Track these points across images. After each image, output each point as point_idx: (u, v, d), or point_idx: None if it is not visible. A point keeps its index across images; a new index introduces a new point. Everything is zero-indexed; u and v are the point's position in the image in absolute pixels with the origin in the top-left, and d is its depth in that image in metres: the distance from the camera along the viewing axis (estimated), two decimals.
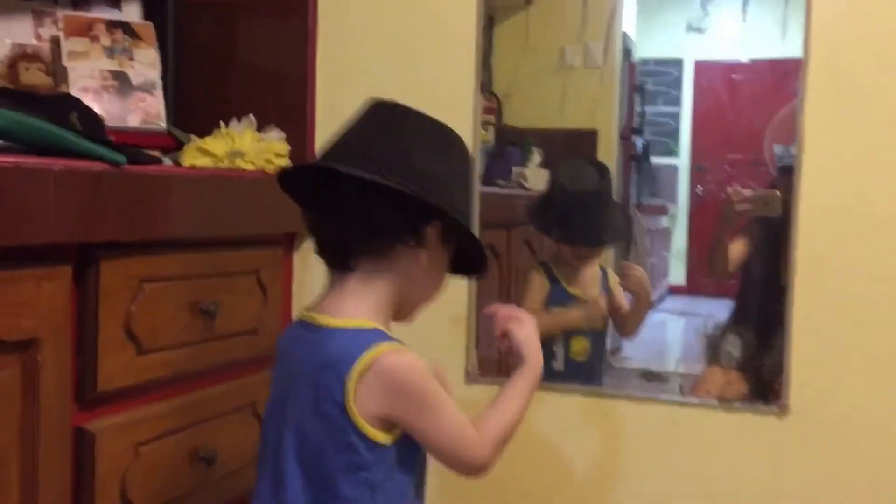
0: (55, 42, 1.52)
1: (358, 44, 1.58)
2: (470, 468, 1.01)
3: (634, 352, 1.69)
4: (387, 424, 0.97)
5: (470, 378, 1.53)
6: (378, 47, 1.57)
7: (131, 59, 1.56)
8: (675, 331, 1.88)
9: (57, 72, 1.49)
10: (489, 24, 1.79)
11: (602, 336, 1.67)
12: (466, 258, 1.08)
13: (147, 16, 1.65)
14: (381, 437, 0.96)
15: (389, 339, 0.99)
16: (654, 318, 1.70)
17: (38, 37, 1.55)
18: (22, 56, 1.48)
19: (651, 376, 1.60)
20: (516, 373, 1.09)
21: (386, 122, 1.01)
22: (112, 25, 1.57)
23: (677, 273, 1.85)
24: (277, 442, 0.99)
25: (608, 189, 1.72)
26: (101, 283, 1.12)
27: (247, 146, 1.48)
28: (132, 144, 1.28)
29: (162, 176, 1.20)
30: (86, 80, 1.50)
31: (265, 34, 1.63)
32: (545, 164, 1.82)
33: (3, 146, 0.99)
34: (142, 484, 1.19)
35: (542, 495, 1.50)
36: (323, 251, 1.03)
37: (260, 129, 1.54)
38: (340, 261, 1.01)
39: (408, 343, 0.94)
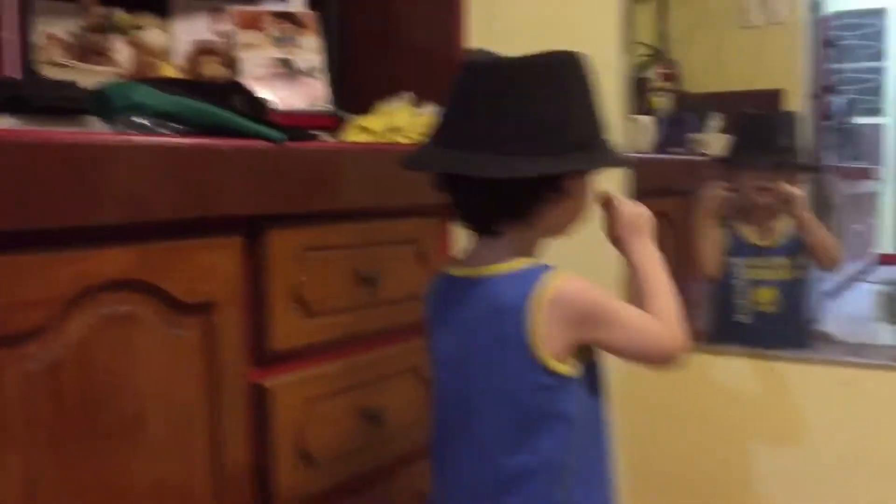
0: (229, 36, 1.65)
1: (505, 18, 1.60)
2: (670, 356, 1.02)
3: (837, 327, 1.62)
4: (574, 351, 0.99)
5: None
6: (524, 21, 1.59)
7: (297, 46, 1.67)
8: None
9: (231, 63, 1.62)
10: None
11: (796, 286, 1.62)
12: None
13: (311, 5, 1.76)
14: (567, 369, 0.99)
15: (552, 268, 1.01)
16: (861, 288, 1.63)
17: (216, 33, 1.70)
18: (201, 51, 1.62)
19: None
20: (634, 248, 1.08)
21: (490, 89, 0.98)
22: (278, 17, 1.68)
23: (887, 241, 1.75)
24: (465, 398, 1.04)
25: (792, 119, 1.68)
26: (270, 252, 1.22)
27: (404, 121, 1.55)
28: (298, 125, 1.38)
29: (320, 151, 1.28)
30: (256, 68, 1.62)
31: (419, 16, 1.69)
32: (727, 128, 1.78)
33: (175, 129, 1.10)
34: (316, 437, 1.29)
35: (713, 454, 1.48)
36: (467, 224, 1.07)
37: (417, 105, 1.60)
38: (487, 230, 1.05)
39: None
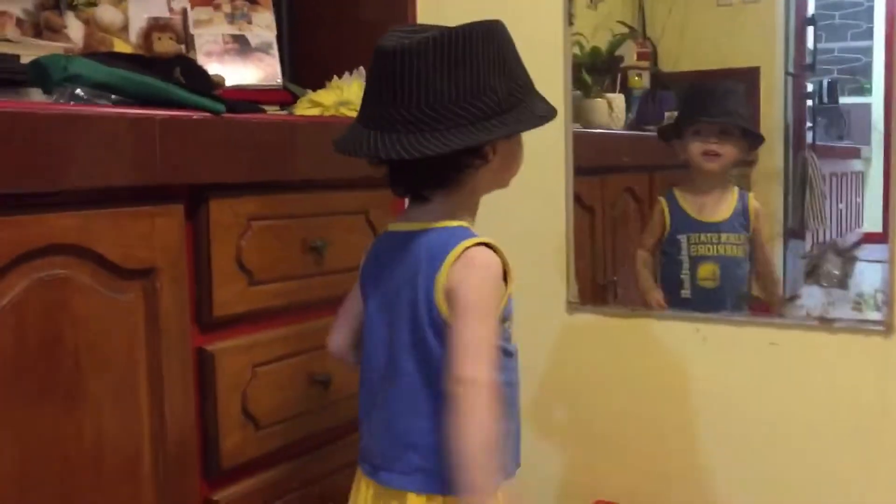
0: (184, 13, 1.68)
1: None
2: (458, 378, 1.00)
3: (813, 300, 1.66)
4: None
5: (571, 307, 1.57)
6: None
7: (250, 23, 1.70)
8: (872, 278, 1.81)
9: (185, 40, 1.65)
10: None
11: (735, 261, 1.66)
12: None
13: None
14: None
15: (476, 235, 1.06)
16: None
17: (171, 10, 1.72)
18: (155, 27, 1.65)
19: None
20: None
21: (396, 70, 1.01)
22: None
23: (873, 219, 1.77)
24: (390, 344, 1.09)
25: (739, 87, 1.71)
26: (212, 220, 1.25)
27: (354, 96, 1.57)
28: (247, 99, 1.41)
29: (263, 123, 1.31)
30: (209, 45, 1.65)
31: None
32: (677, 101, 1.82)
33: (115, 100, 1.13)
34: (261, 400, 1.33)
35: (641, 419, 1.52)
36: (398, 192, 1.12)
37: None
38: (417, 196, 1.10)
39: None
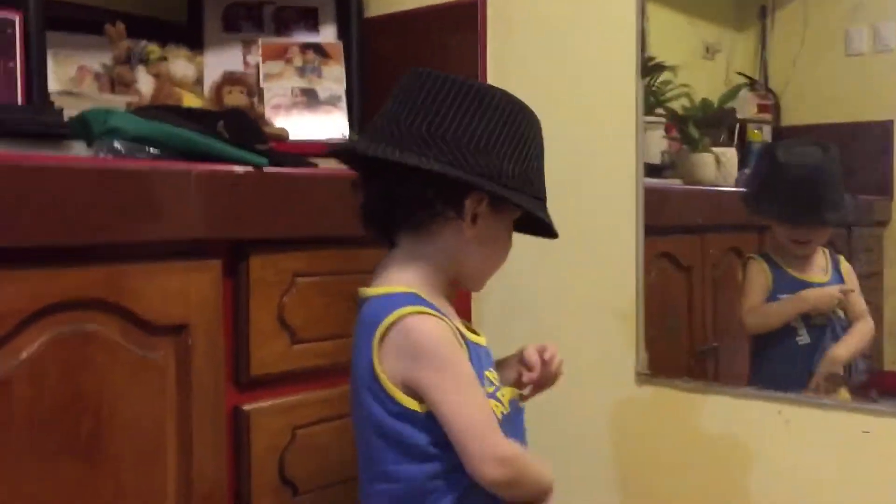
0: (258, 67, 1.69)
1: (523, 47, 1.58)
2: (474, 466, 0.93)
3: None
4: (411, 392, 0.95)
5: (640, 379, 1.45)
6: (541, 48, 1.57)
7: (320, 76, 1.69)
8: None
9: (254, 92, 1.66)
10: (761, 14, 1.72)
11: (822, 331, 1.52)
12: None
13: (340, 35, 1.78)
14: (414, 404, 0.95)
15: (423, 303, 0.96)
16: None
17: (246, 64, 1.74)
18: (228, 81, 1.67)
19: None
20: None
21: (418, 91, 0.98)
22: (305, 47, 1.71)
23: None
24: (355, 422, 1.03)
25: (833, 165, 1.58)
26: (252, 276, 1.22)
27: None
28: (305, 153, 1.38)
29: (305, 176, 1.28)
30: (278, 98, 1.65)
31: (440, 45, 1.69)
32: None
33: (154, 154, 1.12)
34: (300, 464, 1.28)
35: None
36: (366, 227, 1.05)
37: None
38: (383, 236, 1.03)
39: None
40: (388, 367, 0.95)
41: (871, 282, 1.56)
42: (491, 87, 1.00)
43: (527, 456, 0.99)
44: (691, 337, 1.72)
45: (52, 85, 1.51)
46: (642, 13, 1.47)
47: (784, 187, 1.58)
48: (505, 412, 1.03)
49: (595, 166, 1.51)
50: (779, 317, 1.54)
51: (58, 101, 1.31)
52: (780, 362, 1.52)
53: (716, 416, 1.37)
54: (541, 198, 1.04)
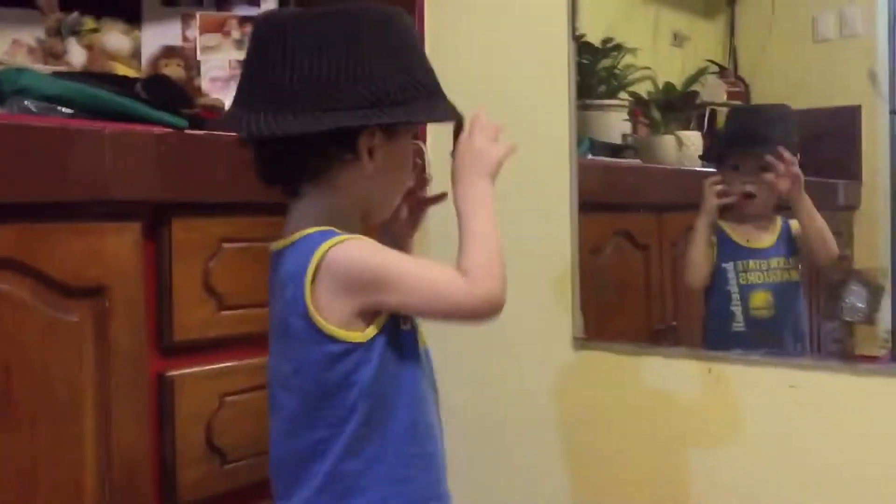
0: (196, 41, 1.67)
1: (459, 20, 1.59)
2: (476, 312, 0.93)
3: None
4: (367, 316, 0.94)
5: (577, 344, 1.45)
6: (477, 20, 1.57)
7: None
8: None
9: (192, 65, 1.64)
10: (730, 1, 1.73)
11: (789, 286, 1.52)
12: None
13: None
14: (356, 336, 0.93)
15: (336, 234, 0.94)
16: None
17: (185, 38, 1.73)
18: (164, 54, 1.65)
19: None
20: (462, 188, 0.98)
21: (273, 44, 0.93)
22: (245, 20, 1.69)
23: None
24: (274, 373, 1.00)
25: (782, 110, 1.61)
26: (175, 239, 1.21)
27: None
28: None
29: (230, 140, 1.25)
30: (215, 70, 1.63)
31: None
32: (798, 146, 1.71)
33: (66, 114, 1.11)
34: (228, 432, 1.26)
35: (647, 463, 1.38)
36: (267, 184, 1.01)
37: None
38: (285, 189, 1.00)
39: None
40: (326, 308, 0.92)
41: (841, 265, 1.56)
42: (344, 8, 0.93)
43: (464, 252, 0.95)
44: (648, 314, 1.72)
45: None
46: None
47: (732, 125, 1.63)
48: (425, 347, 1.03)
49: (531, 138, 1.50)
50: (693, 243, 1.55)
51: None
52: (715, 321, 1.53)
53: (650, 377, 1.37)
54: (434, 91, 0.99)
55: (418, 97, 0.96)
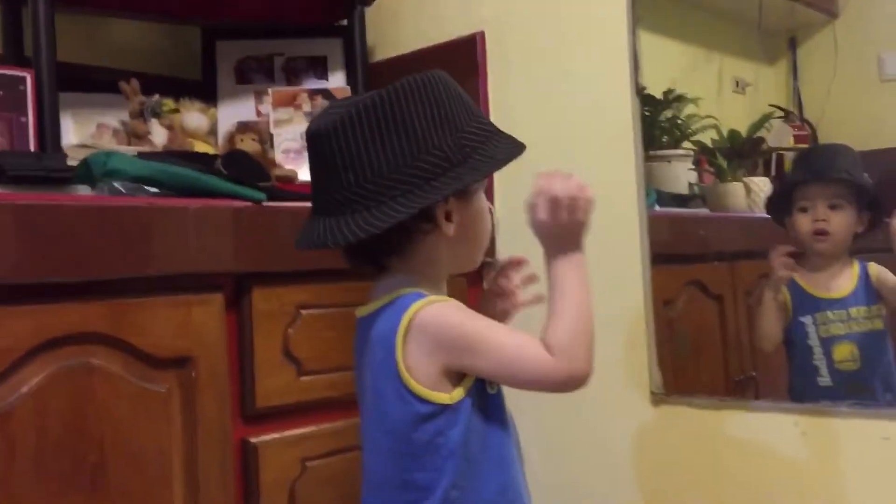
0: (269, 115, 1.74)
1: (521, 79, 1.62)
2: (559, 386, 0.94)
3: None
4: (454, 377, 0.96)
5: (656, 399, 1.43)
6: (538, 78, 1.60)
7: None
8: None
9: (266, 139, 1.71)
10: (791, 45, 1.74)
11: (874, 336, 1.47)
12: None
13: (348, 81, 1.83)
14: (444, 398, 0.95)
15: (426, 295, 0.97)
16: None
17: (259, 113, 1.80)
18: (240, 129, 1.72)
19: None
20: (551, 258, 0.99)
21: (327, 153, 0.96)
22: (314, 93, 1.76)
23: None
24: (364, 436, 1.02)
25: (845, 149, 1.56)
26: (255, 308, 1.25)
27: None
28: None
29: (306, 210, 1.30)
30: (288, 142, 1.70)
31: None
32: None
33: (153, 193, 1.16)
34: (311, 497, 1.28)
35: None
36: (350, 260, 1.05)
37: None
38: (373, 266, 1.04)
39: None
40: (416, 368, 0.95)
41: None
42: (379, 94, 0.95)
43: (551, 324, 0.96)
44: (726, 365, 1.69)
45: (72, 142, 1.58)
46: (634, 35, 1.48)
47: (799, 163, 1.62)
48: (510, 412, 1.05)
49: (599, 193, 1.51)
50: (760, 314, 1.53)
51: (72, 153, 1.36)
52: (800, 376, 1.49)
53: (733, 431, 1.34)
54: (490, 132, 1.01)
55: (477, 148, 0.98)
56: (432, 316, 0.95)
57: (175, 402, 1.15)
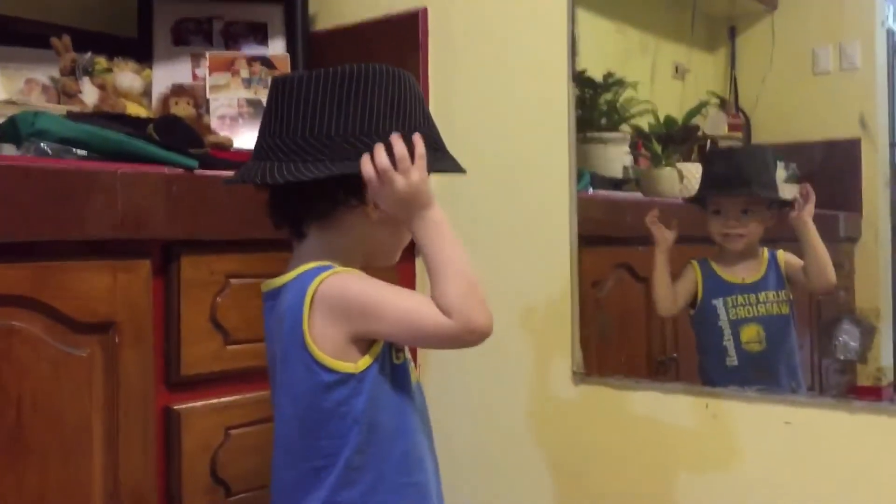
0: (205, 79, 1.72)
1: (463, 57, 1.63)
2: (460, 340, 0.96)
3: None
4: (362, 346, 0.98)
5: (577, 378, 1.47)
6: (479, 57, 1.61)
7: (266, 87, 1.71)
8: None
9: (201, 104, 1.69)
10: (730, 34, 1.75)
11: (779, 320, 1.53)
12: None
13: (288, 49, 1.81)
14: (349, 366, 0.97)
15: (331, 267, 0.99)
16: None
17: (195, 77, 1.77)
18: (174, 92, 1.69)
19: None
20: (410, 225, 1.01)
21: (286, 99, 1.00)
22: (253, 60, 1.74)
23: None
24: (274, 405, 1.04)
25: (757, 150, 1.64)
26: (183, 276, 1.24)
27: None
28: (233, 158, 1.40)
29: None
30: (224, 108, 1.68)
31: (383, 57, 1.66)
32: (799, 178, 1.73)
33: (81, 155, 1.15)
34: (233, 465, 1.29)
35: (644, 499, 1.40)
36: (277, 226, 1.07)
37: None
38: (293, 230, 1.06)
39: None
40: (321, 338, 0.97)
41: (842, 296, 1.58)
42: (351, 67, 1.00)
43: (437, 284, 0.98)
44: (650, 346, 1.74)
45: None
46: (573, 20, 1.50)
47: (710, 168, 1.64)
48: (417, 381, 1.08)
49: (531, 173, 1.54)
50: (654, 277, 1.58)
51: None
52: (709, 357, 1.55)
53: (648, 412, 1.39)
54: (437, 147, 1.04)
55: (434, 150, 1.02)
56: (335, 285, 0.98)
57: (97, 367, 1.15)
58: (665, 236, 1.56)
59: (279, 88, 1.01)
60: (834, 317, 1.42)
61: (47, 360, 1.09)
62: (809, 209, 1.47)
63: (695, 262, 1.62)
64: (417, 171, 0.98)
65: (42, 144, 1.12)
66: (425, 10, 1.68)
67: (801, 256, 1.50)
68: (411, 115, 1.01)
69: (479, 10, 1.61)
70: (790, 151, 1.66)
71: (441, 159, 1.04)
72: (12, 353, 1.05)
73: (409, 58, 1.67)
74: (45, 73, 1.64)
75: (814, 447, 1.23)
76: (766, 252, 1.56)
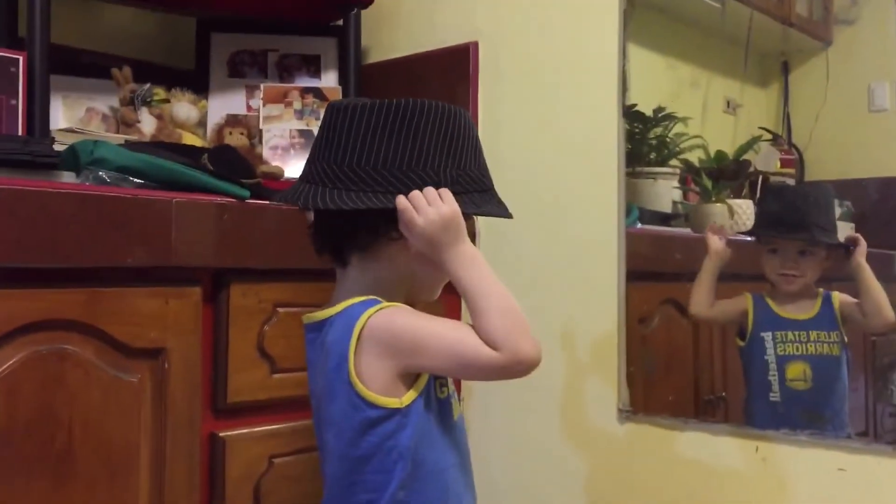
0: (259, 110, 1.75)
1: (511, 90, 1.63)
2: (499, 369, 0.95)
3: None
4: (408, 381, 0.98)
5: (623, 416, 1.45)
6: (528, 90, 1.62)
7: (318, 119, 1.74)
8: None
9: (254, 134, 1.72)
10: (783, 69, 1.75)
11: (828, 360, 1.50)
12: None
13: (341, 81, 1.84)
14: (395, 402, 0.97)
15: (378, 303, 0.99)
16: None
17: (249, 108, 1.81)
18: (229, 123, 1.73)
19: None
20: (444, 264, 1.00)
21: (339, 127, 1.01)
22: (306, 91, 1.77)
23: None
24: (320, 443, 1.04)
25: (818, 192, 1.59)
26: (232, 304, 1.26)
27: None
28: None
29: (288, 210, 1.31)
30: (276, 139, 1.71)
31: (434, 89, 1.72)
32: (854, 216, 1.71)
33: (138, 184, 1.17)
34: (276, 493, 1.29)
35: None
36: (319, 253, 1.08)
37: None
38: (334, 258, 1.06)
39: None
40: (368, 375, 0.97)
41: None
42: (407, 100, 1.00)
43: (478, 319, 0.98)
44: (697, 385, 1.71)
45: (61, 125, 1.59)
46: (623, 55, 1.50)
47: (767, 206, 1.62)
48: (460, 415, 1.08)
49: (579, 207, 1.54)
50: (698, 281, 1.57)
51: (59, 137, 1.37)
52: (754, 391, 1.51)
53: (695, 453, 1.36)
54: (485, 188, 1.04)
55: (470, 191, 1.02)
56: (383, 321, 0.98)
57: (146, 393, 1.16)
58: (717, 245, 1.54)
59: (334, 114, 1.02)
60: (889, 360, 1.38)
61: (98, 385, 1.11)
62: (862, 250, 1.45)
63: (748, 294, 1.60)
64: (434, 210, 0.98)
65: (101, 173, 1.15)
66: (476, 45, 1.69)
67: (856, 296, 1.47)
68: (461, 154, 1.01)
69: (530, 45, 1.62)
70: (844, 188, 1.63)
71: (486, 202, 1.04)
72: (65, 376, 1.08)
73: (459, 91, 1.69)
74: (105, 103, 1.69)
75: (868, 495, 1.19)
76: (821, 292, 1.53)
